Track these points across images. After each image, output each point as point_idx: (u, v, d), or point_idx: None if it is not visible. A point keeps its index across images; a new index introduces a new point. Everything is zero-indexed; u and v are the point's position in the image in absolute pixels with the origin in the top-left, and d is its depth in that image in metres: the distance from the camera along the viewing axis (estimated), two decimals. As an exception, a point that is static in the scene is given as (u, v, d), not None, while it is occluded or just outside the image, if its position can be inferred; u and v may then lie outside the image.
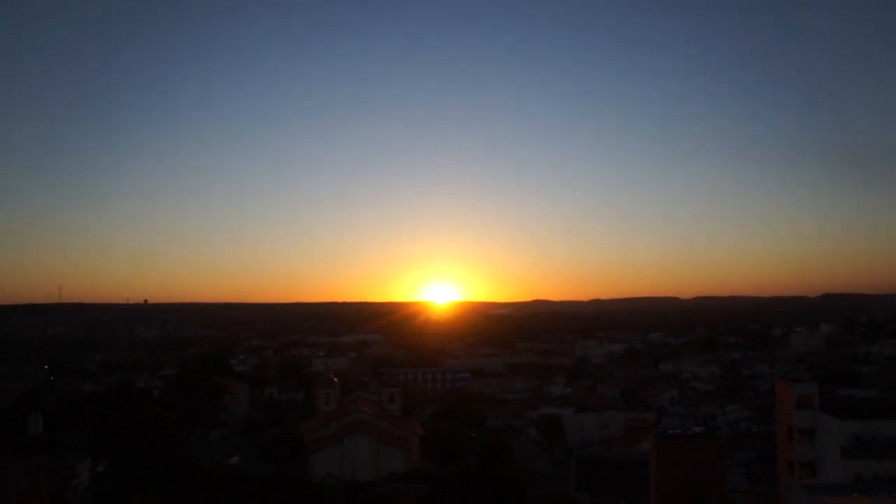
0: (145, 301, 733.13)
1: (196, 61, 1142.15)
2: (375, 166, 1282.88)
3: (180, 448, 67.11)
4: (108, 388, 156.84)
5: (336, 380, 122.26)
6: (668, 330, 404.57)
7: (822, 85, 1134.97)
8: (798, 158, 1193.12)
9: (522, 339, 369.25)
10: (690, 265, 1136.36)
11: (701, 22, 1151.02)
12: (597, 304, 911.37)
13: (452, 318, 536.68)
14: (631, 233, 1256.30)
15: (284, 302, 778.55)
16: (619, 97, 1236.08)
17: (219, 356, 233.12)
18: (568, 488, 67.79)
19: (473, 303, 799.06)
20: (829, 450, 65.76)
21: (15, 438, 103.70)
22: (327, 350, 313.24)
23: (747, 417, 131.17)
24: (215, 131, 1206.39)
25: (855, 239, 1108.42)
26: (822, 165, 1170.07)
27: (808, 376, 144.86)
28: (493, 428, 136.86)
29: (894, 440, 64.23)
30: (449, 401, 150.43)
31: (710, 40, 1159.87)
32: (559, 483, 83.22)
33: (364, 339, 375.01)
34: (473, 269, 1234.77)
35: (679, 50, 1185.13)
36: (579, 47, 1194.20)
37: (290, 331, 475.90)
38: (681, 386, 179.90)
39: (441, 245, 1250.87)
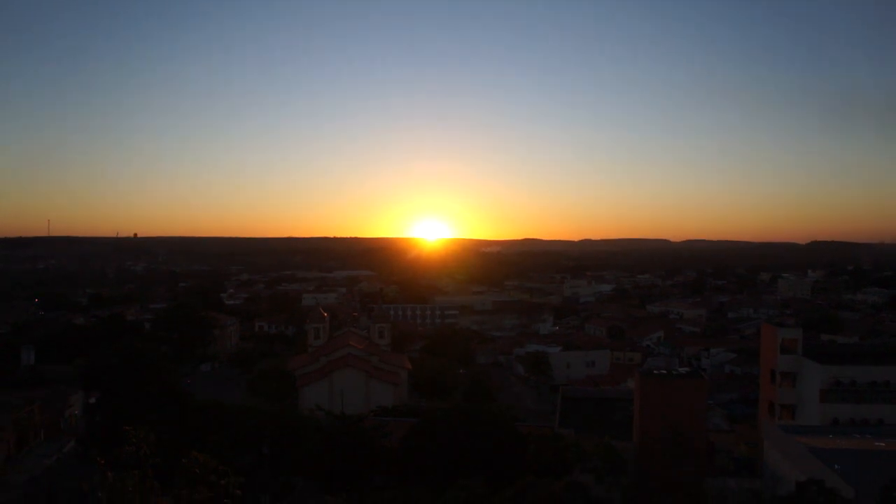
0: (135, 235, 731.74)
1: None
2: (368, 100, 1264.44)
3: (171, 380, 67.75)
4: (99, 322, 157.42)
5: (326, 315, 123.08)
6: (657, 272, 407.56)
7: (817, 34, 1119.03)
8: (793, 106, 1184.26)
9: (512, 276, 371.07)
10: (682, 208, 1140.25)
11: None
12: (587, 244, 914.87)
13: (443, 255, 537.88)
14: (623, 175, 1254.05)
15: (275, 237, 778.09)
16: (614, 38, 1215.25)
17: (209, 290, 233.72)
18: (553, 424, 69.12)
19: (464, 240, 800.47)
20: (810, 393, 67.20)
21: (8, 371, 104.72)
22: (317, 285, 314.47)
23: (731, 360, 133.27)
24: (204, 68, 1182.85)
25: (846, 187, 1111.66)
26: (818, 113, 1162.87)
27: (792, 321, 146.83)
28: (480, 364, 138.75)
29: (871, 385, 65.68)
30: (437, 337, 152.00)
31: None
32: (544, 419, 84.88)
33: (354, 275, 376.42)
34: (465, 207, 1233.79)
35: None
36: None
37: (281, 265, 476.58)
38: (667, 327, 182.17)
39: (433, 182, 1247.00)
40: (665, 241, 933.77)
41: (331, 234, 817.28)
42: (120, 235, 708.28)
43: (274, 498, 65.82)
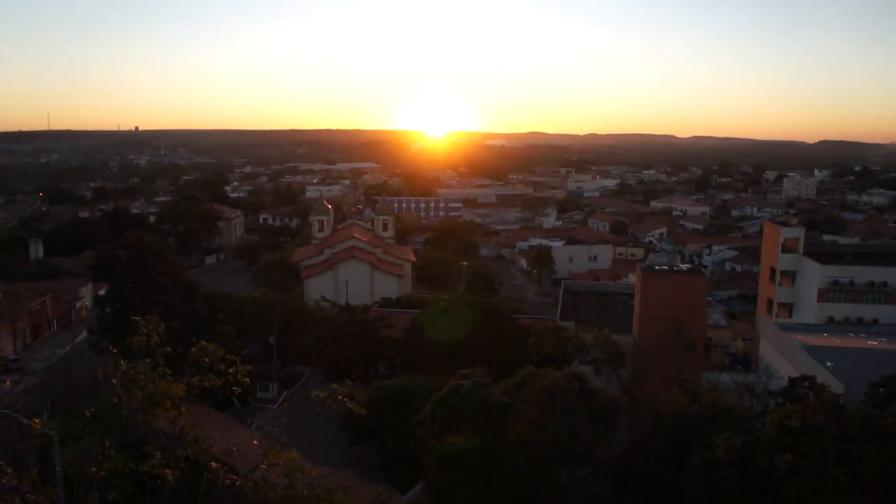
0: (136, 128, 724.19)
1: None
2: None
3: (179, 272, 68.59)
4: (105, 215, 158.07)
5: (330, 207, 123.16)
6: (662, 168, 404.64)
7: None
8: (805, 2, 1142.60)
9: (516, 170, 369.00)
10: (689, 104, 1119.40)
11: None
12: (592, 138, 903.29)
13: (447, 148, 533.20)
14: (630, 68, 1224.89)
15: (278, 129, 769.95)
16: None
17: (213, 183, 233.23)
18: (554, 316, 70.35)
19: (469, 133, 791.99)
20: (808, 292, 68.04)
21: (18, 264, 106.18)
22: (321, 177, 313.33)
23: (733, 257, 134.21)
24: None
25: (857, 86, 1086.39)
26: (831, 9, 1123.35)
27: (795, 221, 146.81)
28: (483, 257, 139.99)
29: (869, 285, 66.42)
30: (441, 229, 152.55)
31: None
32: (546, 311, 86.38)
33: (358, 168, 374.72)
34: (469, 99, 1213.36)
35: None
36: None
37: (284, 158, 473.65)
38: (670, 223, 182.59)
39: (438, 74, 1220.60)
40: (671, 137, 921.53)
41: (334, 127, 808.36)
42: (121, 129, 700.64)
43: (280, 385, 68.01)
